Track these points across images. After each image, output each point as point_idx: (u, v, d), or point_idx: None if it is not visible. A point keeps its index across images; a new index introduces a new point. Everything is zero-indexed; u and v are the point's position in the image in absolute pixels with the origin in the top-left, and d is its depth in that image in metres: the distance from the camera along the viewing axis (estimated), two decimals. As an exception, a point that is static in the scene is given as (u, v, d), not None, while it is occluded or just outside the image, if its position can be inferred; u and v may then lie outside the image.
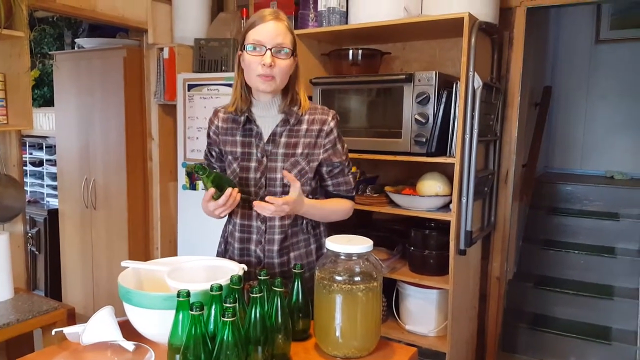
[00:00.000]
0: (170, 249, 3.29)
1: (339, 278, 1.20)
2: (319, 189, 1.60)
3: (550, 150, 4.94)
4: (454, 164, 2.16)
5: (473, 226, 2.20)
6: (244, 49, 1.44)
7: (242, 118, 1.52)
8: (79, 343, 1.19)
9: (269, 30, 1.40)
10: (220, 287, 1.06)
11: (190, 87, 2.94)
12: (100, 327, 1.18)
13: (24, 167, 4.13)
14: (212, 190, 1.39)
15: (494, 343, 2.80)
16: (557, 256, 3.59)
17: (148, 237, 3.32)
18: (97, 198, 3.35)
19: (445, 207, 2.28)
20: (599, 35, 4.71)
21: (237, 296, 1.05)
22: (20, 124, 2.24)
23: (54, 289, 3.91)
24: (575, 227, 3.76)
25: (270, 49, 1.40)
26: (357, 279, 1.21)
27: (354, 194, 1.62)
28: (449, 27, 2.32)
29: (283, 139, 1.50)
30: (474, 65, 2.09)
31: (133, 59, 3.13)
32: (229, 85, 2.81)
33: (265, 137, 1.51)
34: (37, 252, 4.06)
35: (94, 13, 2.73)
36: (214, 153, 1.62)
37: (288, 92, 1.50)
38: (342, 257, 1.23)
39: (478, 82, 2.10)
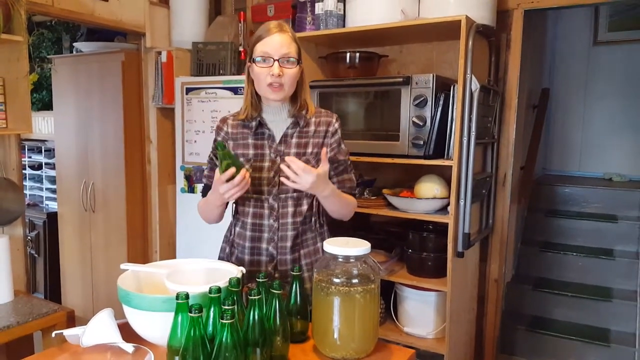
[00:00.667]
0: (169, 252, 3.29)
1: (336, 280, 1.21)
2: None
3: (548, 152, 4.94)
4: (451, 166, 2.17)
5: (471, 228, 2.21)
6: (254, 61, 1.52)
7: (254, 123, 1.59)
8: (78, 345, 1.19)
9: (275, 42, 1.50)
10: (218, 290, 1.06)
11: (188, 90, 2.95)
12: (100, 329, 1.18)
13: (23, 171, 4.14)
14: (232, 169, 1.39)
15: (492, 345, 2.80)
16: (555, 258, 3.59)
17: (147, 240, 3.32)
18: (96, 201, 3.35)
19: (443, 209, 2.29)
20: (596, 37, 4.72)
21: (235, 298, 1.06)
22: (20, 128, 2.25)
23: (54, 292, 3.91)
24: (573, 230, 3.76)
25: (278, 60, 1.49)
26: (355, 281, 1.21)
27: (356, 192, 1.70)
28: (446, 30, 2.33)
29: (294, 140, 1.59)
30: (471, 68, 2.10)
31: (131, 63, 3.14)
32: (227, 88, 2.82)
33: (277, 138, 1.59)
34: (36, 255, 4.06)
35: (92, 17, 2.74)
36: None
37: (297, 97, 1.60)
38: (340, 260, 1.23)
39: (475, 85, 2.11)
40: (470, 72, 2.10)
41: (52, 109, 3.67)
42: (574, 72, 4.82)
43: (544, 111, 4.28)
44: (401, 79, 2.26)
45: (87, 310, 3.46)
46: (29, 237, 3.97)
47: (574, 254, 3.55)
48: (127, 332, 1.20)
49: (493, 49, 2.53)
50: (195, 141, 2.96)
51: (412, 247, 2.36)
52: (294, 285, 1.30)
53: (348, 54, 2.59)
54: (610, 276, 3.38)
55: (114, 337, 1.18)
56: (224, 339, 0.98)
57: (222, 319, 0.98)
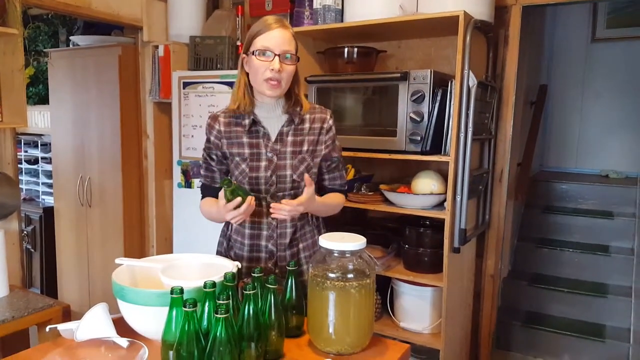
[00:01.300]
0: (166, 247, 3.29)
1: (332, 275, 1.21)
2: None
3: (545, 148, 4.95)
4: (448, 162, 2.17)
5: (467, 224, 2.21)
6: (253, 53, 1.50)
7: (247, 121, 1.56)
8: (73, 340, 1.19)
9: (277, 37, 1.49)
10: (213, 284, 1.06)
11: (186, 85, 2.93)
12: (94, 324, 1.18)
13: (20, 165, 4.13)
14: (238, 199, 1.41)
15: (488, 341, 2.81)
16: (551, 254, 3.61)
17: (143, 235, 3.32)
18: (93, 196, 3.35)
19: (440, 205, 2.29)
20: (595, 33, 4.72)
21: (230, 293, 1.06)
22: (15, 122, 2.24)
23: (50, 287, 3.91)
24: (569, 226, 3.78)
25: (278, 55, 1.47)
26: (350, 276, 1.21)
27: (346, 187, 1.71)
28: (444, 26, 2.33)
29: (290, 138, 1.58)
30: (469, 64, 2.09)
31: (128, 57, 3.12)
32: (224, 83, 2.81)
33: (273, 137, 1.57)
34: (32, 250, 4.06)
35: (89, 10, 2.72)
36: (214, 157, 1.64)
37: (291, 94, 1.58)
38: (336, 255, 1.23)
39: (473, 81, 2.11)
40: (468, 68, 2.09)
41: (48, 103, 3.66)
42: (572, 69, 4.83)
43: (542, 108, 4.28)
44: (399, 75, 2.25)
45: (83, 305, 3.46)
46: (25, 232, 3.96)
47: (570, 250, 3.56)
48: (121, 326, 1.20)
49: (491, 45, 2.52)
50: (192, 136, 2.95)
51: (409, 243, 2.36)
52: (290, 280, 1.30)
53: (346, 49, 2.58)
54: (606, 272, 3.40)
55: (109, 331, 1.18)
56: (218, 334, 0.98)
57: (217, 314, 0.98)
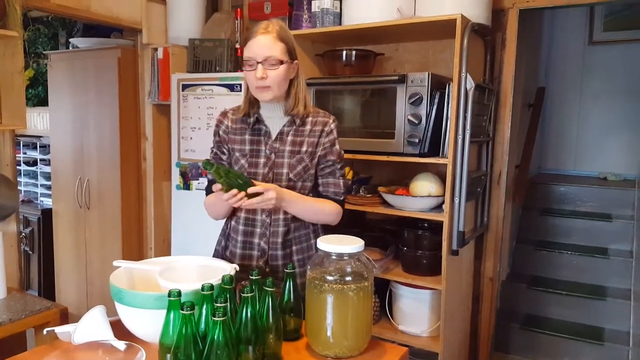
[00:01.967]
0: (164, 249, 3.29)
1: (330, 278, 1.21)
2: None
3: (543, 151, 4.95)
4: (446, 164, 2.17)
5: (465, 227, 2.21)
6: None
7: (252, 119, 1.61)
8: (70, 342, 1.19)
9: (258, 45, 1.51)
10: (211, 287, 1.06)
11: (185, 87, 2.94)
12: (91, 327, 1.18)
13: (18, 167, 4.12)
14: (218, 186, 1.41)
15: (486, 343, 2.81)
16: (550, 257, 3.61)
17: (142, 237, 3.32)
18: (91, 198, 3.34)
19: (438, 207, 2.29)
20: (592, 36, 4.73)
21: (228, 296, 1.06)
22: (14, 124, 2.24)
23: (48, 289, 3.90)
24: (568, 228, 3.78)
25: (261, 62, 1.50)
26: (348, 278, 1.21)
27: (342, 198, 1.63)
28: (442, 29, 2.33)
29: (289, 138, 1.60)
30: (466, 67, 2.10)
31: (127, 59, 3.13)
32: (223, 85, 2.82)
33: (273, 135, 1.61)
34: (30, 252, 4.05)
35: (88, 13, 2.73)
36: (224, 150, 1.67)
37: (291, 95, 1.60)
38: (334, 257, 1.23)
39: (470, 83, 2.12)
40: (466, 70, 2.10)
41: (47, 105, 3.66)
42: (570, 72, 4.84)
43: (540, 110, 4.29)
44: (397, 77, 2.26)
45: (81, 308, 3.45)
46: (23, 234, 3.96)
47: (569, 252, 3.56)
48: (119, 329, 1.20)
49: (488, 48, 2.53)
50: (191, 138, 2.96)
51: (407, 245, 2.36)
52: (288, 283, 1.30)
53: (344, 52, 2.59)
54: (605, 275, 3.40)
55: (106, 334, 1.17)
56: (216, 337, 0.98)
57: (214, 317, 0.98)
